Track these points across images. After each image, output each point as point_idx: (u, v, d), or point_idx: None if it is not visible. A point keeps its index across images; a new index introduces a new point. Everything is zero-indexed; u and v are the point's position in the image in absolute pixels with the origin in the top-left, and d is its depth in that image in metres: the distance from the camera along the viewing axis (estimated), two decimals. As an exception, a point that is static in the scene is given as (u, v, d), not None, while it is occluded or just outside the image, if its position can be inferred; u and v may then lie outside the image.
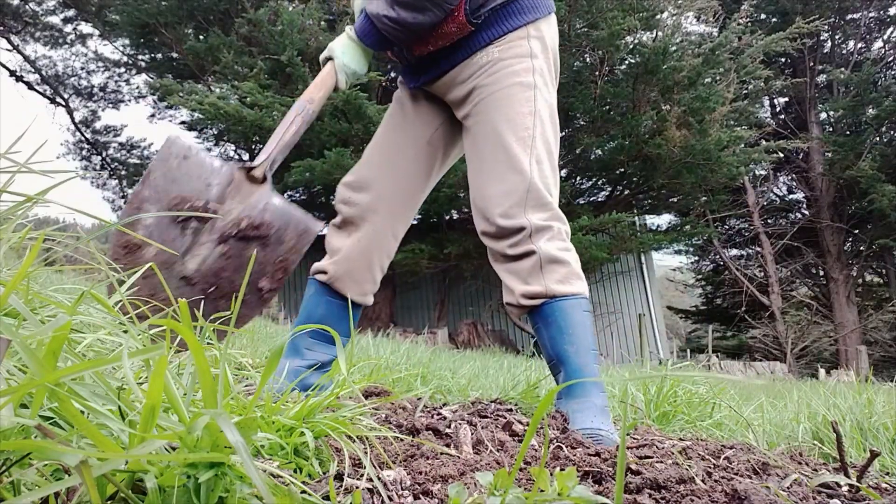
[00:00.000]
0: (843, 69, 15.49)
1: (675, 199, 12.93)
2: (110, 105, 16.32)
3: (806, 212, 16.81)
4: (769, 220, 16.88)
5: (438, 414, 1.35)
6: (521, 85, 1.35)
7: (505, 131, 1.33)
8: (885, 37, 16.17)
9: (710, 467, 0.87)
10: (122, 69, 15.57)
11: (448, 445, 0.92)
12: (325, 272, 1.51)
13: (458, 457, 0.84)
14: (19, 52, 15.06)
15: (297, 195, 14.67)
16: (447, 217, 12.99)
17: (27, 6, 14.64)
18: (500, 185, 1.33)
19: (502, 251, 1.33)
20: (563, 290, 1.27)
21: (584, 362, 1.24)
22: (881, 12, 15.80)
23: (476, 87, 1.37)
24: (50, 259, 0.88)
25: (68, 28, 15.25)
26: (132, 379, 0.49)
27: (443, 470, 0.74)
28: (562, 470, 0.64)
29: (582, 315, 1.28)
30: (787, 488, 0.79)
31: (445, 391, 2.01)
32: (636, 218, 12.21)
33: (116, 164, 16.25)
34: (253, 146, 14.14)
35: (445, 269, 12.44)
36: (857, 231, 15.88)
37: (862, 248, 15.79)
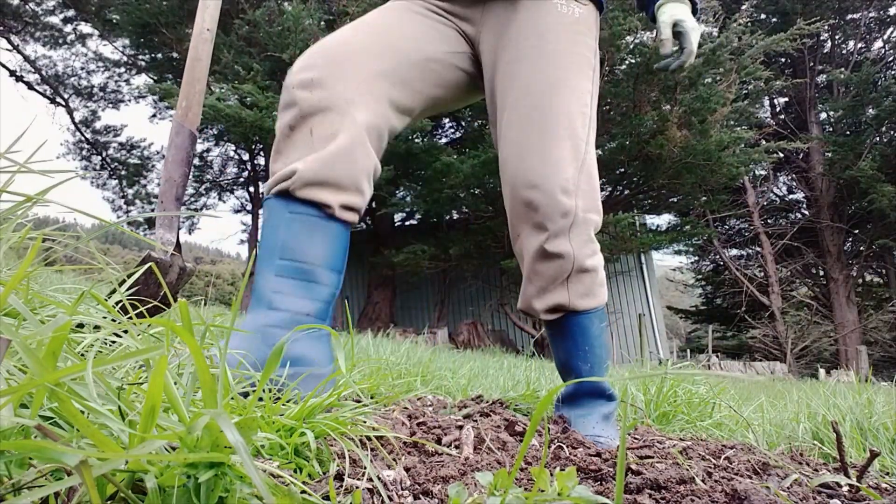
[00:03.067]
0: (843, 69, 15.49)
1: (676, 199, 12.94)
2: (110, 105, 16.33)
3: (806, 212, 16.81)
4: (769, 220, 16.88)
5: (438, 413, 1.35)
6: (587, 62, 1.20)
7: (568, 97, 1.16)
8: (885, 37, 16.18)
9: (710, 467, 0.87)
10: (122, 69, 15.57)
11: (448, 445, 0.92)
12: (288, 176, 1.04)
13: (458, 457, 0.84)
14: (19, 52, 15.06)
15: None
16: (447, 217, 13.00)
17: (27, 6, 14.64)
18: (560, 151, 1.14)
19: (539, 243, 1.15)
20: (585, 304, 1.18)
21: (596, 375, 1.20)
22: (881, 12, 15.80)
23: (544, 33, 1.17)
24: (50, 259, 0.88)
25: (68, 28, 15.25)
26: (132, 379, 0.49)
27: (443, 470, 0.74)
28: (562, 470, 0.64)
29: (599, 328, 1.21)
30: (788, 488, 0.79)
31: (445, 391, 2.01)
32: (636, 218, 12.21)
33: (116, 164, 16.26)
34: (253, 146, 14.15)
35: (446, 270, 12.44)
36: (857, 231, 15.88)
37: (862, 248, 15.79)
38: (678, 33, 1.23)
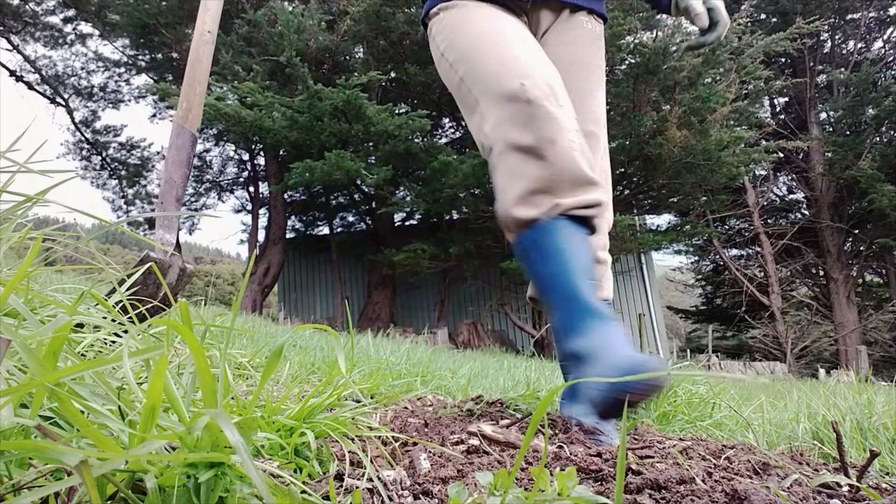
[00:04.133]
0: (843, 69, 15.49)
1: (675, 199, 12.94)
2: (110, 105, 16.34)
3: (806, 212, 16.81)
4: (769, 220, 16.89)
5: (438, 413, 1.35)
6: (604, 73, 1.36)
7: (593, 102, 1.29)
8: (885, 37, 16.18)
9: (710, 467, 0.87)
10: (122, 69, 15.58)
11: (448, 445, 0.92)
12: (593, 206, 1.08)
13: (458, 457, 0.84)
14: (19, 52, 15.07)
15: (298, 195, 14.69)
16: (447, 217, 13.00)
17: (27, 6, 14.64)
18: (596, 148, 1.25)
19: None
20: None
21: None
22: (881, 12, 15.80)
23: (572, 43, 1.30)
24: (50, 259, 0.88)
25: (68, 28, 15.26)
26: (132, 379, 0.49)
27: (442, 471, 0.74)
28: (562, 470, 0.64)
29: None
30: (788, 488, 0.79)
31: (445, 391, 2.01)
32: (636, 218, 12.22)
33: (116, 164, 16.27)
34: (253, 146, 14.16)
35: (446, 270, 12.44)
36: (857, 231, 15.89)
37: (862, 248, 15.79)
38: (710, 8, 1.29)
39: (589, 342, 1.00)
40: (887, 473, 1.17)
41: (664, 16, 10.51)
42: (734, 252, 18.23)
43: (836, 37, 16.44)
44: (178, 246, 1.26)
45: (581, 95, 1.27)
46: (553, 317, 1.08)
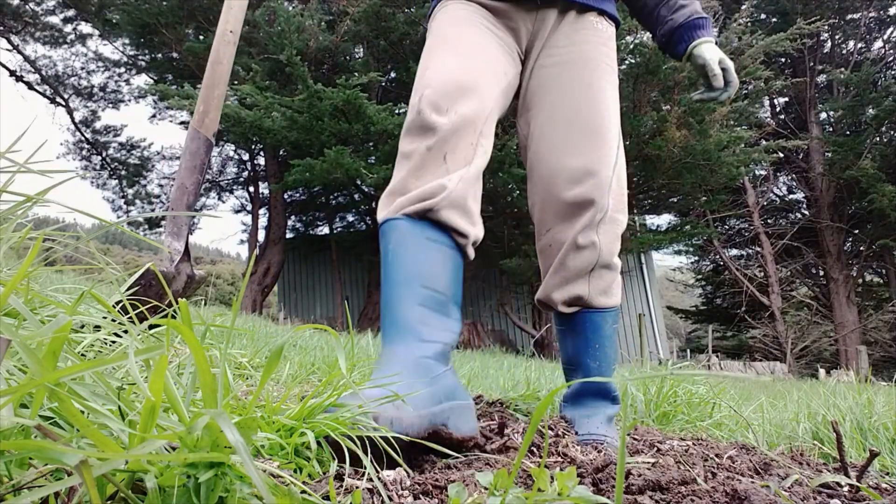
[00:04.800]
0: (843, 69, 15.49)
1: (675, 199, 12.94)
2: (110, 105, 16.33)
3: (806, 212, 16.81)
4: (769, 220, 16.88)
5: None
6: (616, 74, 1.33)
7: (606, 102, 1.26)
8: (885, 37, 16.18)
9: (711, 468, 0.87)
10: (122, 69, 15.58)
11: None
12: (431, 195, 1.03)
13: (458, 456, 0.84)
14: (19, 52, 15.07)
15: (298, 195, 14.69)
16: (447, 217, 12.98)
17: (27, 6, 14.64)
18: (601, 149, 1.22)
19: (573, 235, 1.19)
20: (603, 302, 1.22)
21: (602, 375, 1.21)
22: (881, 12, 15.80)
23: (581, 43, 1.28)
24: (50, 259, 0.88)
25: (68, 28, 15.25)
26: (138, 376, 0.48)
27: (443, 470, 0.74)
28: (562, 470, 0.64)
29: (611, 329, 1.24)
30: (788, 488, 0.79)
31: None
32: (636, 218, 12.21)
33: (116, 164, 16.27)
34: (252, 146, 14.16)
35: (445, 270, 12.41)
36: (857, 231, 15.88)
37: (862, 248, 15.79)
38: (724, 70, 1.33)
39: (387, 353, 0.96)
40: (887, 473, 1.17)
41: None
42: (734, 252, 18.23)
43: (836, 37, 16.43)
44: (187, 252, 1.25)
45: (591, 93, 1.25)
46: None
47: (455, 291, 1.04)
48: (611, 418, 1.19)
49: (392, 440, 0.74)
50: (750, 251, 18.01)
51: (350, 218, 15.48)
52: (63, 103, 15.89)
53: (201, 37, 11.52)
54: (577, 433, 1.15)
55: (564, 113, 1.24)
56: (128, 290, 1.04)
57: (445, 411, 0.86)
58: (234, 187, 16.62)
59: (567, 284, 1.22)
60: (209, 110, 1.27)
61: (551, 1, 1.29)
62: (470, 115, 1.11)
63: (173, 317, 1.06)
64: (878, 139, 14.54)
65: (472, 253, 1.11)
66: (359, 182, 11.73)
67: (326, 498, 0.59)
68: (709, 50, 1.33)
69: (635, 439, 1.15)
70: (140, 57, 14.43)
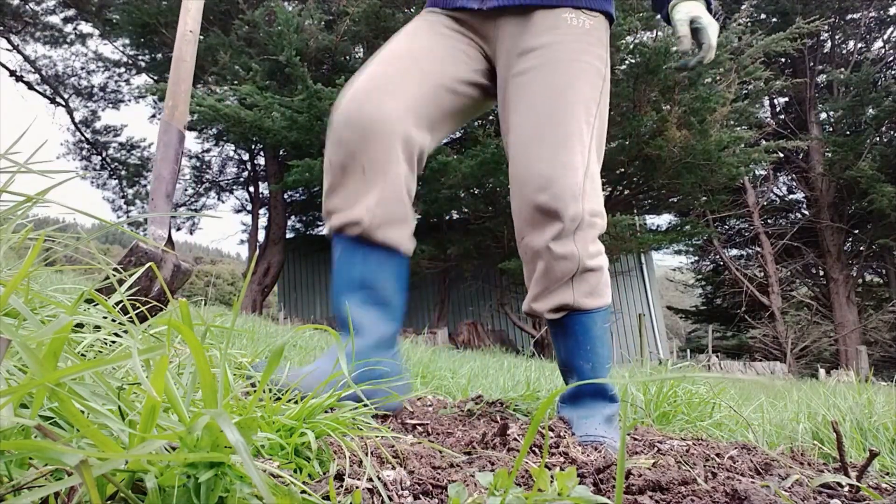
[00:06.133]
0: (843, 69, 15.49)
1: (675, 199, 12.94)
2: (110, 105, 16.33)
3: (806, 212, 16.81)
4: (769, 220, 16.88)
5: (438, 413, 1.35)
6: (596, 71, 1.23)
7: (574, 103, 1.19)
8: (885, 37, 16.18)
9: (712, 468, 0.87)
10: (122, 69, 15.58)
11: (449, 446, 0.92)
12: (357, 222, 1.16)
13: (459, 456, 0.84)
14: (19, 52, 15.07)
15: (298, 195, 14.69)
16: (447, 217, 13.00)
17: (27, 6, 14.64)
18: (568, 156, 1.17)
19: (544, 243, 1.18)
20: (589, 304, 1.21)
21: (597, 375, 1.21)
22: (881, 12, 15.80)
23: (553, 44, 1.20)
24: (50, 259, 0.88)
25: (68, 28, 15.25)
26: (142, 375, 0.48)
27: (443, 470, 0.74)
28: (562, 470, 0.64)
29: (601, 329, 1.23)
30: (789, 488, 0.79)
31: (445, 391, 2.01)
32: (636, 218, 12.21)
33: (116, 164, 16.27)
34: (252, 146, 14.16)
35: (446, 270, 12.44)
36: (857, 231, 15.88)
37: (862, 248, 15.79)
38: (696, 30, 1.23)
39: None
40: (887, 473, 1.17)
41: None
42: (734, 252, 18.22)
43: (836, 37, 16.43)
44: (170, 242, 1.26)
45: (558, 97, 1.19)
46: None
47: (400, 283, 1.22)
48: (609, 418, 1.19)
49: (392, 439, 0.74)
50: (750, 251, 18.01)
51: (350, 218, 15.46)
52: (63, 103, 15.89)
53: (201, 37, 11.50)
54: (575, 434, 1.14)
55: (532, 121, 1.21)
56: (120, 279, 1.04)
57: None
58: (234, 187, 16.63)
59: (550, 294, 1.21)
60: (178, 104, 1.33)
61: (500, 9, 1.23)
62: (380, 120, 1.15)
63: (174, 317, 1.05)
64: (877, 139, 14.54)
65: (410, 247, 1.24)
66: (359, 182, 11.70)
67: (326, 498, 0.59)
68: (684, 8, 1.23)
69: (635, 439, 1.15)
70: (140, 57, 14.43)
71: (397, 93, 1.17)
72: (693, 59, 1.25)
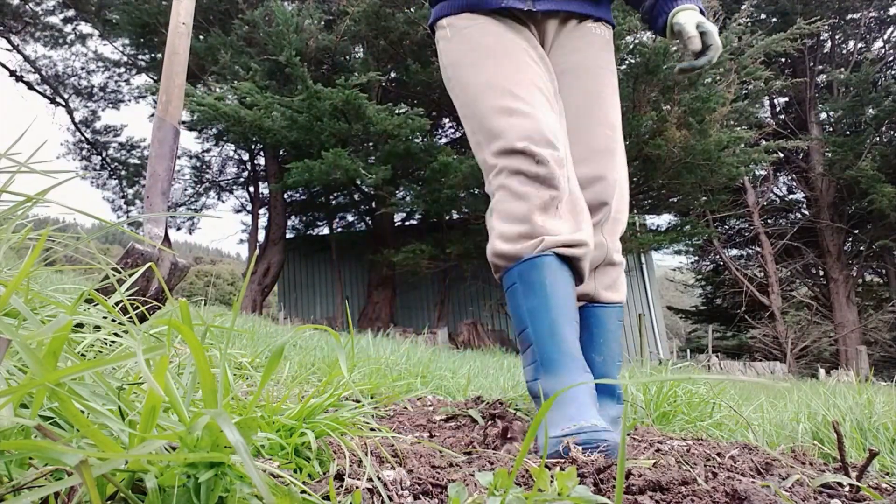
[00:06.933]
0: (843, 69, 15.48)
1: (675, 199, 12.94)
2: (110, 105, 16.32)
3: (806, 212, 16.80)
4: (769, 220, 16.88)
5: (436, 414, 1.35)
6: (616, 77, 1.37)
7: (610, 108, 1.30)
8: (885, 37, 16.17)
9: (712, 468, 0.87)
10: (122, 69, 15.57)
11: (449, 446, 0.92)
12: (578, 246, 1.12)
13: (459, 456, 0.84)
14: (19, 52, 15.06)
15: (298, 195, 14.69)
16: (447, 217, 13.00)
17: (27, 6, 14.64)
18: (612, 152, 1.26)
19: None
20: (608, 297, 1.25)
21: (608, 371, 1.22)
22: (881, 12, 15.80)
23: (582, 50, 1.32)
24: (50, 259, 0.88)
25: (68, 28, 15.25)
26: (147, 372, 0.48)
27: (443, 470, 0.74)
28: (562, 470, 0.64)
29: (616, 325, 1.26)
30: (789, 488, 0.79)
31: (445, 391, 2.01)
32: (636, 218, 12.21)
33: (116, 164, 16.26)
34: (252, 146, 14.16)
35: (445, 269, 12.44)
36: (857, 231, 15.88)
37: (862, 248, 15.79)
38: (703, 32, 1.29)
39: (557, 385, 1.02)
40: (887, 473, 1.17)
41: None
42: (734, 252, 18.22)
43: (836, 37, 16.43)
44: (167, 240, 1.25)
45: (594, 99, 1.29)
46: (527, 350, 1.10)
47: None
48: (615, 419, 1.19)
49: (392, 439, 0.74)
50: (750, 251, 18.00)
51: (350, 218, 15.48)
52: (63, 103, 15.88)
53: (201, 37, 11.51)
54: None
55: (574, 122, 1.28)
56: (117, 279, 1.03)
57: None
58: (234, 187, 16.62)
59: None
60: (171, 99, 1.31)
61: (552, 13, 1.32)
62: (564, 147, 1.20)
63: (174, 317, 1.05)
64: (877, 139, 14.53)
65: None
66: (358, 182, 11.72)
67: (326, 498, 0.59)
68: (685, 15, 1.30)
69: (635, 439, 1.15)
70: (140, 57, 14.43)
71: (560, 132, 1.21)
72: (703, 59, 1.30)
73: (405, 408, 1.42)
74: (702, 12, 1.34)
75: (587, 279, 1.23)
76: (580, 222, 1.16)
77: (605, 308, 1.25)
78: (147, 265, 1.06)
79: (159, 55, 13.41)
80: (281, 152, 12.79)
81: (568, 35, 1.33)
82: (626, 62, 10.18)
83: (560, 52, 1.32)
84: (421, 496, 0.67)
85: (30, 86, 15.48)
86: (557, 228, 1.13)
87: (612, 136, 1.28)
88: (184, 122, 14.98)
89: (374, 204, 13.47)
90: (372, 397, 1.47)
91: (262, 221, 14.35)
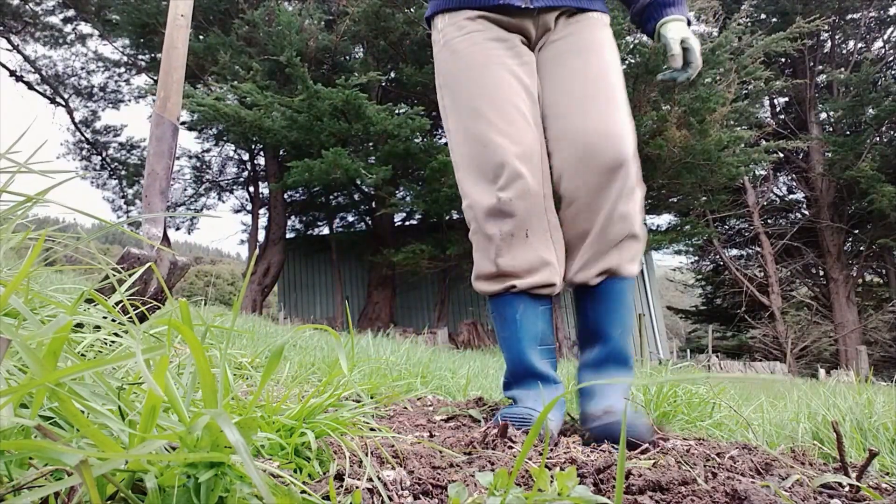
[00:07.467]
0: (843, 69, 15.48)
1: (675, 199, 12.94)
2: (110, 105, 16.31)
3: (806, 212, 16.81)
4: (769, 220, 16.88)
5: (435, 414, 1.35)
6: (616, 54, 1.39)
7: (617, 73, 1.33)
8: (885, 37, 16.17)
9: (712, 468, 0.87)
10: (122, 69, 15.57)
11: (449, 446, 0.92)
12: (551, 284, 1.28)
13: (459, 456, 0.84)
14: (19, 52, 15.06)
15: (298, 195, 14.69)
16: (447, 217, 13.00)
17: (27, 6, 14.63)
18: (624, 115, 1.29)
19: (610, 202, 1.24)
20: (630, 270, 1.27)
21: (624, 344, 1.25)
22: (881, 12, 15.80)
23: (581, 30, 1.36)
24: (50, 259, 0.88)
25: (68, 28, 15.24)
26: (147, 373, 0.48)
27: (443, 470, 0.74)
28: (562, 470, 0.64)
29: (631, 298, 1.29)
30: (789, 489, 0.79)
31: (445, 391, 2.00)
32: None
33: (116, 164, 16.25)
34: (252, 146, 14.16)
35: (445, 269, 12.43)
36: (857, 231, 15.88)
37: (862, 248, 15.79)
38: (686, 49, 1.34)
39: (521, 393, 1.25)
40: (887, 473, 1.17)
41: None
42: (734, 252, 18.22)
43: (836, 37, 16.43)
44: (166, 240, 1.25)
45: (594, 69, 1.31)
46: (506, 363, 1.30)
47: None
48: (626, 389, 1.24)
49: (392, 439, 0.74)
50: (750, 251, 18.01)
51: (350, 218, 15.48)
52: (63, 103, 15.88)
53: (201, 37, 11.51)
54: (594, 403, 1.16)
55: (582, 93, 1.30)
56: (115, 282, 1.03)
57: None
58: (234, 187, 16.62)
59: (601, 258, 1.26)
60: (170, 95, 1.29)
61: (549, 9, 1.35)
62: (534, 188, 1.25)
63: (174, 317, 1.05)
64: (878, 139, 14.53)
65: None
66: (358, 182, 11.72)
67: (326, 498, 0.59)
68: (673, 28, 1.34)
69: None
70: (140, 57, 14.42)
71: (535, 156, 1.28)
72: (682, 75, 1.36)
73: (405, 408, 1.42)
74: (688, 23, 1.38)
75: (611, 253, 1.26)
76: (550, 245, 1.27)
77: (626, 280, 1.27)
78: (146, 266, 1.06)
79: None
80: (281, 152, 12.78)
81: (565, 21, 1.37)
82: (626, 62, 10.18)
83: (560, 36, 1.36)
84: (421, 496, 0.67)
85: (30, 86, 15.48)
86: (524, 264, 1.25)
87: (623, 99, 1.31)
88: (184, 123, 14.99)
89: (374, 204, 13.47)
90: (372, 397, 1.47)
91: (262, 221, 14.35)
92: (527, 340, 1.26)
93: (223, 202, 17.04)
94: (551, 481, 0.61)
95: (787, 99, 17.50)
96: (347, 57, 11.74)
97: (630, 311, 1.28)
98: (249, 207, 15.51)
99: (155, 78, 13.61)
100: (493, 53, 1.33)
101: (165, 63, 1.31)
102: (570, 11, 1.37)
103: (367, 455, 0.71)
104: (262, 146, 13.33)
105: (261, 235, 14.09)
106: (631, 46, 10.00)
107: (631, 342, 1.28)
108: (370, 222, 14.43)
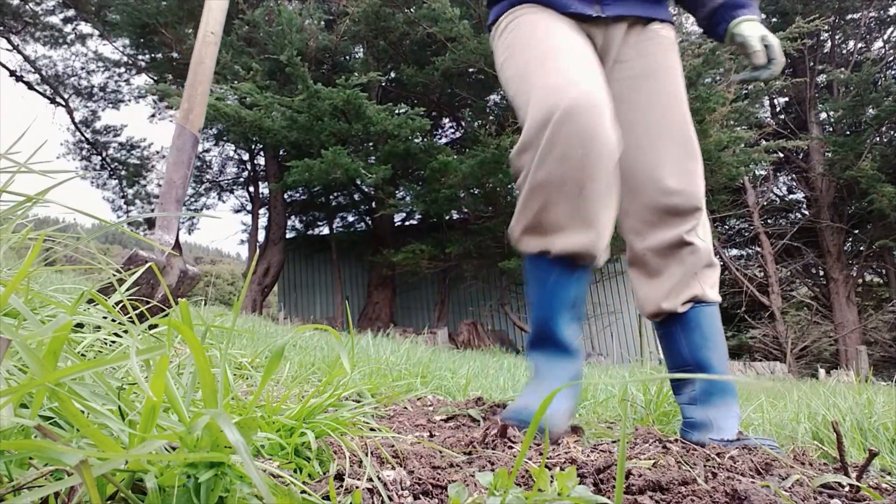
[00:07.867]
0: (843, 69, 15.47)
1: (675, 200, 12.90)
2: (110, 105, 16.30)
3: (806, 212, 16.80)
4: (769, 220, 16.87)
5: (437, 413, 1.35)
6: (683, 80, 1.37)
7: (687, 109, 1.32)
8: (885, 37, 16.16)
9: (712, 468, 0.87)
10: (122, 69, 15.56)
11: (449, 446, 0.92)
12: (591, 251, 1.17)
13: (459, 456, 0.84)
14: (19, 52, 15.05)
15: (298, 195, 14.69)
16: (447, 217, 13.00)
17: (27, 6, 14.63)
18: (696, 162, 1.28)
19: (682, 234, 1.24)
20: (713, 296, 1.27)
21: (723, 370, 1.24)
22: (881, 12, 15.79)
23: (652, 54, 1.33)
24: (50, 259, 0.88)
25: (68, 28, 15.23)
26: (139, 376, 0.48)
27: (443, 470, 0.74)
28: (562, 470, 0.64)
29: (720, 323, 1.29)
30: (789, 488, 0.79)
31: (445, 391, 2.01)
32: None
33: (116, 164, 16.25)
34: (253, 146, 14.16)
35: (445, 269, 12.43)
36: (857, 231, 15.87)
37: (862, 248, 15.77)
38: (766, 46, 1.33)
39: (542, 361, 1.21)
40: (888, 473, 1.17)
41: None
42: (734, 252, 18.21)
43: (836, 37, 16.42)
44: (178, 247, 1.25)
45: (673, 101, 1.30)
46: (531, 322, 1.25)
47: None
48: (739, 417, 1.22)
49: (392, 439, 0.74)
50: (750, 251, 18.00)
51: (350, 218, 15.47)
52: (63, 103, 15.87)
53: (201, 37, 11.49)
54: (718, 437, 1.14)
55: (657, 126, 1.28)
56: (119, 284, 1.03)
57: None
58: (234, 187, 16.61)
59: (684, 288, 1.25)
60: (193, 107, 1.31)
61: (620, 18, 1.33)
62: (606, 142, 1.13)
63: (174, 317, 1.05)
64: (878, 139, 14.52)
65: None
66: (358, 182, 11.72)
67: (326, 498, 0.59)
68: (749, 27, 1.32)
69: (636, 439, 1.15)
70: (140, 57, 14.42)
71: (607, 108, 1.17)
72: (765, 72, 1.34)
73: (405, 408, 1.42)
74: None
75: (693, 283, 1.25)
76: (598, 210, 1.15)
77: (713, 306, 1.27)
78: (149, 264, 1.06)
79: (159, 55, 13.41)
80: (281, 152, 12.78)
81: (634, 39, 1.34)
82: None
83: (628, 57, 1.33)
84: (421, 496, 0.67)
85: (30, 86, 15.47)
86: (568, 227, 1.15)
87: (693, 137, 1.29)
88: (184, 122, 14.98)
89: (373, 204, 13.46)
90: (372, 397, 1.47)
91: (262, 221, 14.35)
92: (556, 306, 1.19)
93: (223, 202, 17.07)
94: (551, 481, 0.61)
95: (787, 99, 17.49)
96: (347, 57, 11.73)
97: (721, 336, 1.27)
98: (249, 207, 15.50)
99: (155, 78, 13.61)
100: (562, 24, 1.28)
101: (192, 77, 1.33)
102: (641, 22, 1.34)
103: (367, 455, 0.71)
104: (262, 146, 13.33)
105: (261, 235, 14.09)
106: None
107: (727, 366, 1.27)
108: (370, 222, 14.43)
